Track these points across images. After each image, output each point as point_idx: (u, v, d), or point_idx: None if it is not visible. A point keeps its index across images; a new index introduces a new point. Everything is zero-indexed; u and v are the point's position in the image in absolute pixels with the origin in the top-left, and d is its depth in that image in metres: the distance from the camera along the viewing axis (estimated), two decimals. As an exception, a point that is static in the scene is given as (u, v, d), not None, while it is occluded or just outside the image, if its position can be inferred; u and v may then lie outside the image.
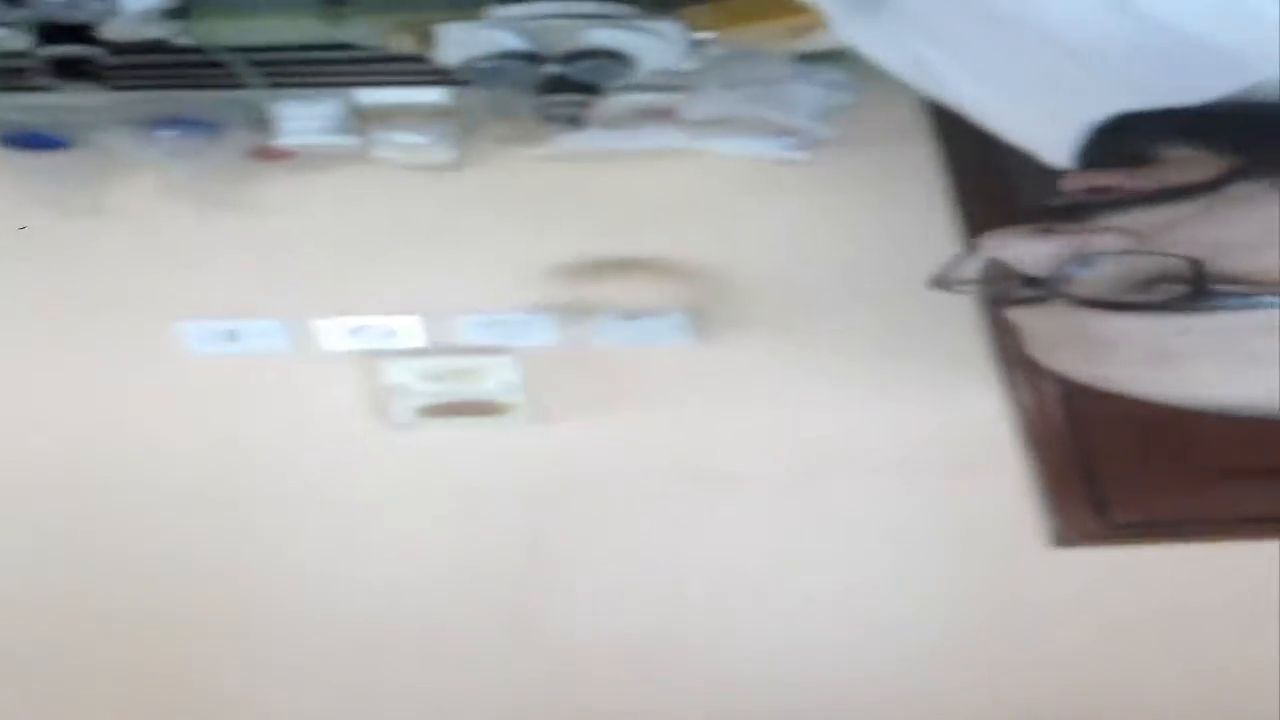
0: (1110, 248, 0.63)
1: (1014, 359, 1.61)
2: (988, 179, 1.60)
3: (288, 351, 1.64)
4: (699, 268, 1.65)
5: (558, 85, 1.20)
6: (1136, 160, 0.64)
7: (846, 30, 0.82)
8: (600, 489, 1.67)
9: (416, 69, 1.32)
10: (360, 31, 1.24)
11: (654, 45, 1.17)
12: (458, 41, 1.17)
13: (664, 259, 1.65)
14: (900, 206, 1.64)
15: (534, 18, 1.15)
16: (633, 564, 1.67)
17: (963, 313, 1.61)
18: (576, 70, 1.19)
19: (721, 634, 1.68)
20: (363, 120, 1.50)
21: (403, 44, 1.21)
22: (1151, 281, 0.61)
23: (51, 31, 1.11)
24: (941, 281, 0.72)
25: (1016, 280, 0.66)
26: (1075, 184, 0.67)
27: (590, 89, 1.22)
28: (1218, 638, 1.70)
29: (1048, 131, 0.78)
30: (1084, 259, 0.62)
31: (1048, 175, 1.62)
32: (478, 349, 1.61)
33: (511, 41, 1.15)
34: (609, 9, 1.14)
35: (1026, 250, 0.65)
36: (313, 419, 1.66)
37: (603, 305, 1.62)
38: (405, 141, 1.51)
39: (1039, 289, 0.65)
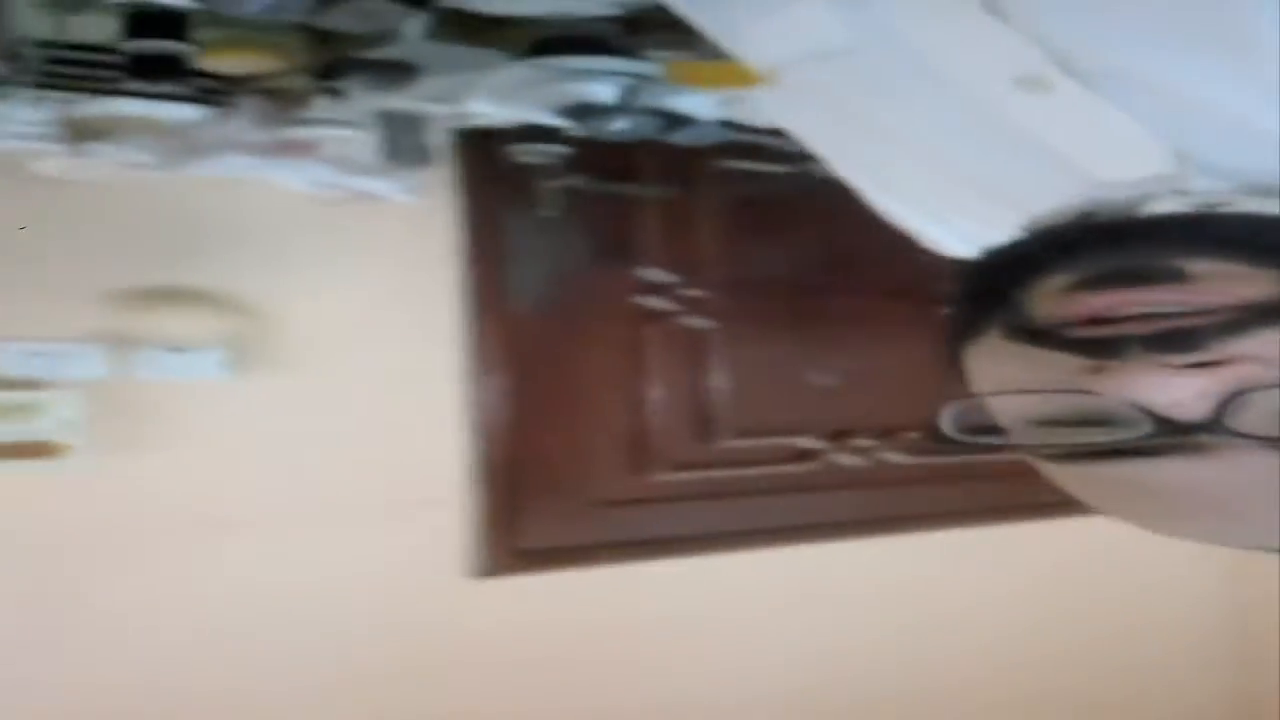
0: (1267, 379, 0.54)
1: (486, 404, 1.85)
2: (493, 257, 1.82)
3: None
4: (246, 301, 1.67)
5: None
6: (1138, 279, 0.57)
7: (772, 111, 0.79)
8: (119, 535, 1.61)
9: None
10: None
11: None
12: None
13: (215, 290, 1.65)
14: (420, 262, 1.79)
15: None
16: (141, 613, 1.64)
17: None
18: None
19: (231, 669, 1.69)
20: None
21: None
22: None
23: None
24: (938, 433, 0.62)
25: (1132, 428, 0.56)
26: (1080, 309, 0.58)
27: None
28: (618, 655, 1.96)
29: (941, 235, 0.76)
30: (1243, 395, 0.54)
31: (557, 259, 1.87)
32: (23, 381, 1.48)
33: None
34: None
35: (1171, 389, 0.54)
36: None
37: (150, 337, 1.58)
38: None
39: (1184, 435, 0.55)
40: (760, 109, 1.14)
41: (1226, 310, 0.55)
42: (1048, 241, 0.62)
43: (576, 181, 1.71)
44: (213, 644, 1.67)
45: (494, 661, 1.86)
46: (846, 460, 2.16)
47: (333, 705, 1.74)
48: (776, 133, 1.41)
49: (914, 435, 2.22)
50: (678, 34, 1.18)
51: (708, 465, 2.04)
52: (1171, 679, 2.59)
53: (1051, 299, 0.60)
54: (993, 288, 0.63)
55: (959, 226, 0.71)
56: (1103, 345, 0.56)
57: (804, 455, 2.12)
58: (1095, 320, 0.57)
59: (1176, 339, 0.54)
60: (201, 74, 1.30)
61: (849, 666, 2.19)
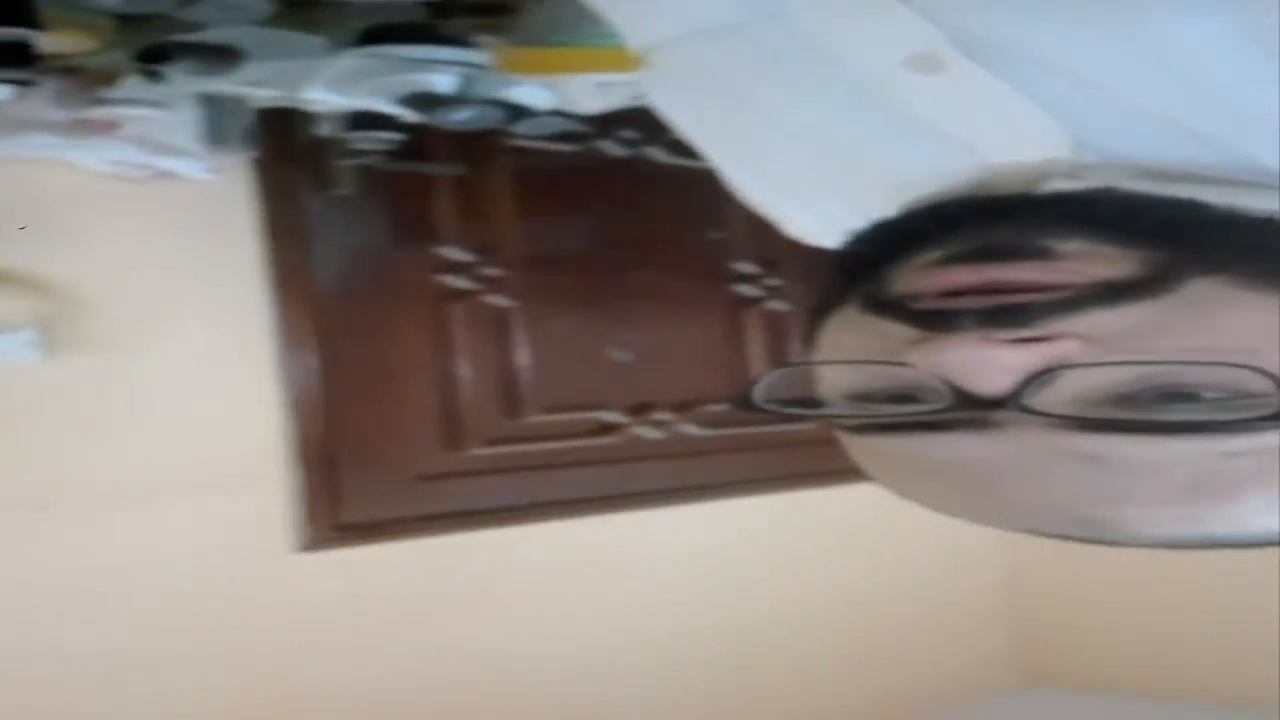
0: (1082, 358, 0.53)
1: (298, 381, 1.88)
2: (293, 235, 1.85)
3: None
4: (54, 281, 1.65)
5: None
6: (1002, 256, 0.55)
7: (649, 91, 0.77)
8: None
9: None
10: None
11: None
12: None
13: (17, 271, 1.62)
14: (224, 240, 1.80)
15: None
16: None
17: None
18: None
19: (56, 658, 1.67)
20: None
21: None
22: (1133, 397, 0.53)
23: None
24: (748, 401, 0.61)
25: (934, 399, 0.54)
26: (936, 282, 0.56)
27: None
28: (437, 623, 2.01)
29: (808, 223, 0.75)
30: (1050, 373, 0.52)
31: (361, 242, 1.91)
32: None
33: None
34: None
35: (979, 363, 0.53)
36: None
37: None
38: None
39: (986, 409, 0.53)
40: (580, 97, 1.16)
41: (1071, 288, 0.53)
42: (926, 217, 0.61)
43: (372, 161, 1.72)
44: (35, 623, 1.65)
45: (321, 632, 1.89)
46: (648, 433, 2.25)
47: (159, 679, 1.73)
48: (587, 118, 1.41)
49: (710, 408, 2.32)
50: (490, 18, 1.24)
51: (517, 440, 2.10)
52: (953, 634, 2.77)
53: (915, 273, 0.59)
54: (866, 260, 0.62)
55: (831, 214, 0.69)
56: (938, 317, 0.55)
57: (607, 429, 2.20)
58: (949, 294, 0.56)
59: (1008, 314, 0.53)
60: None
61: (659, 627, 2.28)
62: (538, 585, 2.14)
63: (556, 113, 1.42)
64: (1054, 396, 0.53)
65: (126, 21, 1.25)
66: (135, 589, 1.73)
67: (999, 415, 0.54)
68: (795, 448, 2.36)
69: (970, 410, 0.54)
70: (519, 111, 1.40)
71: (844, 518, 2.48)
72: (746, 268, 2.36)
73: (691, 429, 2.31)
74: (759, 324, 2.40)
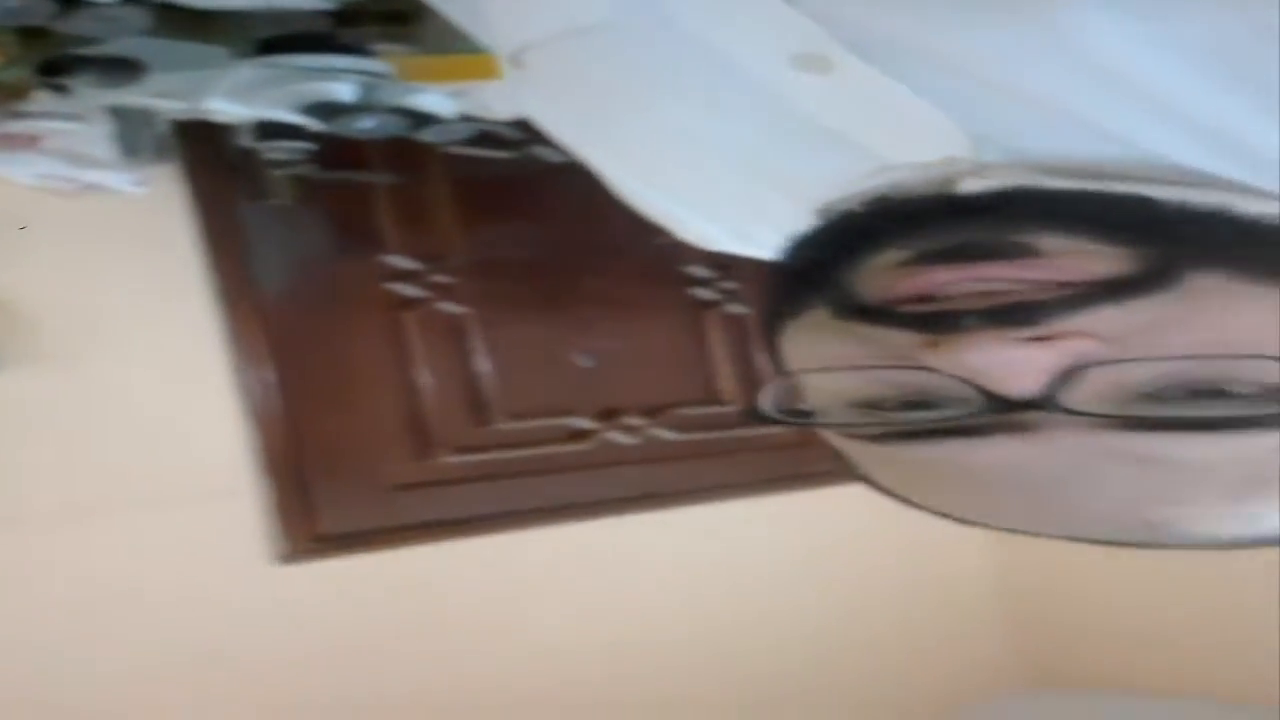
0: (1108, 355, 0.52)
1: (256, 394, 1.91)
2: (233, 247, 1.87)
3: None
4: None
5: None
6: (981, 254, 0.53)
7: (516, 100, 0.76)
8: None
9: None
10: None
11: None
12: None
13: None
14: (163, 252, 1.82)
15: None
16: None
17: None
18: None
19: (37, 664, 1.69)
20: None
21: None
22: (1161, 395, 0.52)
23: None
24: (759, 412, 0.60)
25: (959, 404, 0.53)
26: (914, 284, 0.55)
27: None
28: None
29: (704, 228, 0.74)
30: (1078, 371, 0.51)
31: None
32: None
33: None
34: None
35: (1007, 364, 0.51)
36: None
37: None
38: None
39: (1013, 413, 0.52)
40: (492, 101, 1.14)
41: (1071, 286, 0.53)
42: (883, 215, 0.59)
43: (304, 170, 1.72)
44: (14, 640, 1.67)
45: (304, 643, 1.90)
46: (619, 438, 2.27)
47: (143, 695, 1.74)
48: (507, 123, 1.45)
49: (680, 411, 2.33)
50: (394, 27, 1.21)
51: (488, 447, 2.11)
52: (950, 637, 2.75)
53: (881, 275, 0.57)
54: (816, 264, 0.61)
55: (727, 218, 0.69)
56: (939, 320, 0.54)
57: (578, 435, 2.21)
58: (926, 297, 0.55)
59: (1017, 312, 0.52)
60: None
61: (646, 637, 2.29)
62: (521, 593, 2.15)
63: (466, 118, 1.41)
64: (1084, 395, 0.52)
65: (28, 35, 1.25)
66: (114, 604, 1.74)
67: (1032, 417, 0.53)
68: (773, 451, 2.36)
69: (1003, 413, 0.53)
70: (424, 119, 1.39)
71: (829, 521, 2.48)
72: (700, 271, 2.36)
73: (664, 433, 2.32)
74: (720, 326, 2.40)
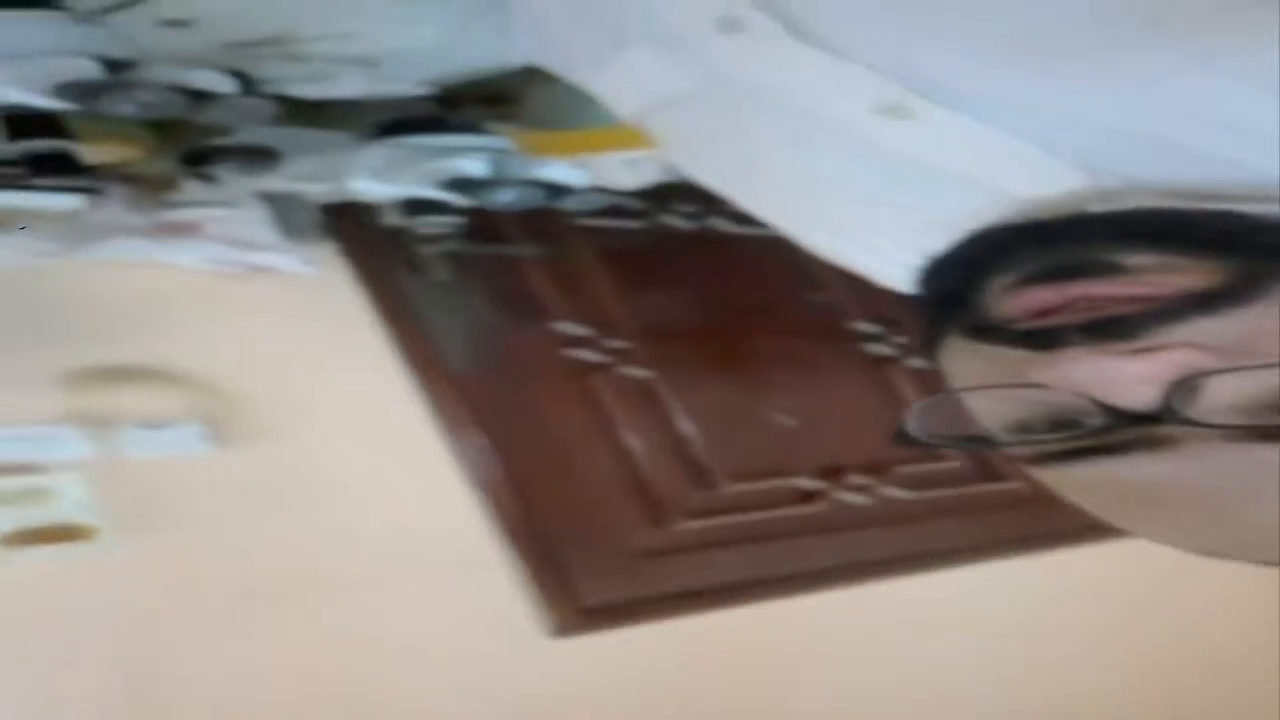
0: (1215, 364, 0.52)
1: (474, 461, 1.84)
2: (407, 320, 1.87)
3: None
4: (195, 375, 1.66)
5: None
6: (1076, 273, 0.56)
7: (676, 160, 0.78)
8: (180, 612, 1.55)
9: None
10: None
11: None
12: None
13: (160, 367, 1.63)
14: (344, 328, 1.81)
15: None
16: (232, 681, 1.57)
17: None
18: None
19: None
20: None
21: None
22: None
23: None
24: (905, 436, 0.62)
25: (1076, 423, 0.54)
26: (1022, 303, 0.57)
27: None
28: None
29: (870, 261, 0.74)
30: (1191, 381, 0.52)
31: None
32: (9, 467, 1.45)
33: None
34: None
35: (1110, 376, 0.53)
36: None
37: (118, 416, 1.55)
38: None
39: (1140, 427, 0.53)
40: (612, 172, 1.20)
41: (1164, 300, 0.54)
42: (985, 244, 0.62)
43: (455, 246, 1.75)
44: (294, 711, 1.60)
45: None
46: (851, 498, 2.15)
47: None
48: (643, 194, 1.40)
49: (904, 469, 2.23)
50: (497, 107, 1.28)
51: (720, 511, 2.01)
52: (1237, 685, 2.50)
53: (999, 297, 0.60)
54: (948, 290, 0.63)
55: (884, 252, 0.71)
56: (1044, 335, 0.56)
57: (808, 496, 2.11)
58: (1040, 314, 0.57)
59: (1114, 325, 0.54)
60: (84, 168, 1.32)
61: (945, 697, 2.17)
62: (793, 661, 2.04)
63: (597, 189, 1.42)
64: (1208, 407, 0.53)
65: (161, 129, 1.32)
66: (394, 673, 1.66)
67: (1164, 432, 0.54)
68: (1016, 508, 2.23)
69: (1129, 428, 0.54)
70: (559, 190, 1.40)
71: (1124, 576, 2.29)
72: (867, 327, 2.34)
73: (896, 492, 2.20)
74: (909, 381, 2.33)
